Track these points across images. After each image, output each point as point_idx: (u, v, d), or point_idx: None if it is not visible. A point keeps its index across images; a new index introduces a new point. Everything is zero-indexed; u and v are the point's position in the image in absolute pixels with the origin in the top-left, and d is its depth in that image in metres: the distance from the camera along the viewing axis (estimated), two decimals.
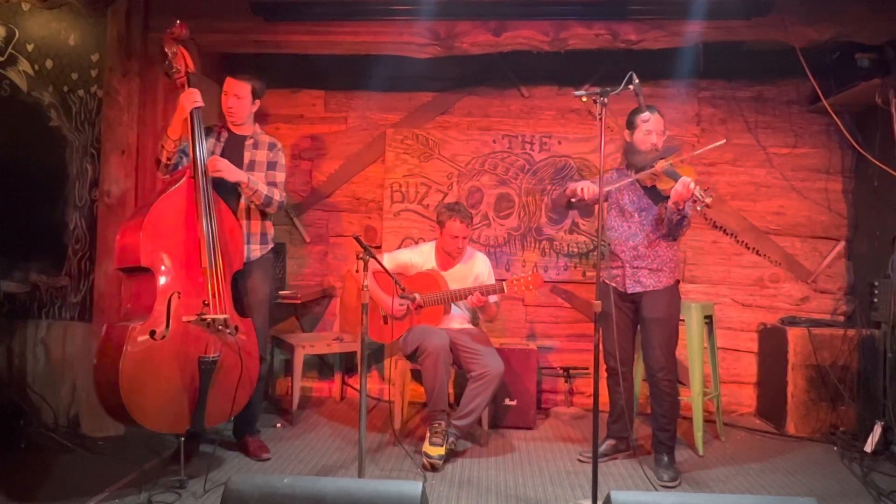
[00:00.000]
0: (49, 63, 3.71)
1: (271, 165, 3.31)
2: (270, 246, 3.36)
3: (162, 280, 2.81)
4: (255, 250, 3.27)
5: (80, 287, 3.68)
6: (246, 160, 3.26)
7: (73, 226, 3.71)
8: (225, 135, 3.28)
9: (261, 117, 4.56)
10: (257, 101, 3.31)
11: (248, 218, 3.26)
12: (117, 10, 3.58)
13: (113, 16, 3.59)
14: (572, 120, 4.49)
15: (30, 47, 3.70)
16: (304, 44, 3.89)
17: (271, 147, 3.34)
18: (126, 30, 3.57)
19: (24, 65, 3.71)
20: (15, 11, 3.68)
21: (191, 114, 3.00)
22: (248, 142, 3.30)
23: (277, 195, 3.26)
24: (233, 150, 3.25)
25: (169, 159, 3.09)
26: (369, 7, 3.70)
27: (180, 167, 3.12)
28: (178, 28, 3.04)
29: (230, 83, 3.24)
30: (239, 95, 3.23)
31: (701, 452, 3.49)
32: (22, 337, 3.69)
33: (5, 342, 3.67)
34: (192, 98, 3.02)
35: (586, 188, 3.14)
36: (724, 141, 3.16)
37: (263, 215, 3.31)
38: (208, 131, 3.18)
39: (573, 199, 3.25)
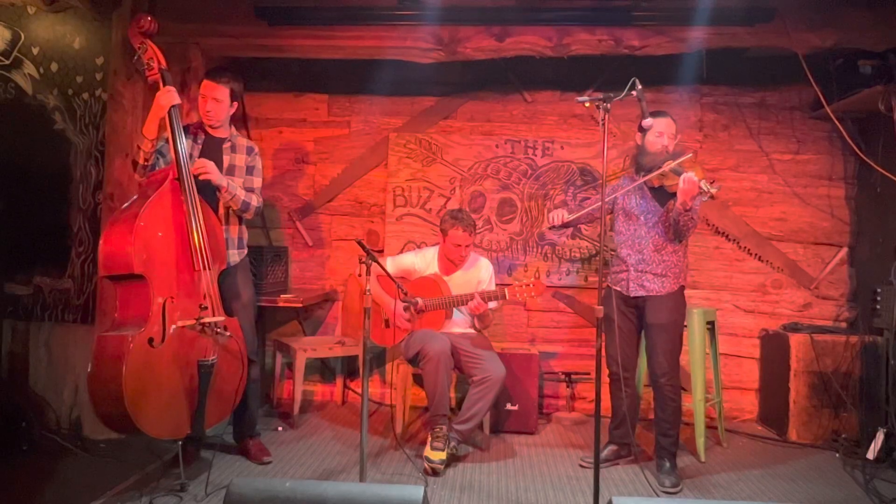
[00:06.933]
0: (54, 66, 3.72)
1: (249, 170, 3.28)
2: (246, 250, 3.34)
3: (156, 286, 2.76)
4: (235, 255, 3.24)
5: (83, 290, 3.68)
6: (225, 164, 3.20)
7: (76, 228, 3.71)
8: (202, 136, 3.20)
9: (264, 122, 4.61)
10: (236, 104, 3.22)
11: (228, 223, 3.22)
12: (122, 13, 3.59)
13: (118, 20, 3.60)
14: (575, 125, 4.50)
15: (35, 50, 3.72)
16: (308, 48, 3.90)
17: (249, 151, 3.30)
18: None
19: (29, 68, 3.72)
20: (20, 15, 3.70)
21: (169, 112, 2.93)
22: (226, 145, 3.24)
23: (255, 200, 3.23)
24: (211, 152, 3.17)
25: (147, 160, 2.99)
26: (373, 12, 3.72)
27: (157, 168, 3.06)
28: (146, 22, 2.96)
29: (208, 86, 3.14)
30: (218, 98, 3.13)
31: (703, 458, 3.48)
32: (25, 339, 3.70)
33: (8, 344, 3.68)
34: (170, 96, 2.94)
35: (556, 216, 3.31)
36: (692, 154, 3.18)
37: (239, 220, 3.28)
38: (184, 131, 3.05)
39: (552, 227, 3.37)
